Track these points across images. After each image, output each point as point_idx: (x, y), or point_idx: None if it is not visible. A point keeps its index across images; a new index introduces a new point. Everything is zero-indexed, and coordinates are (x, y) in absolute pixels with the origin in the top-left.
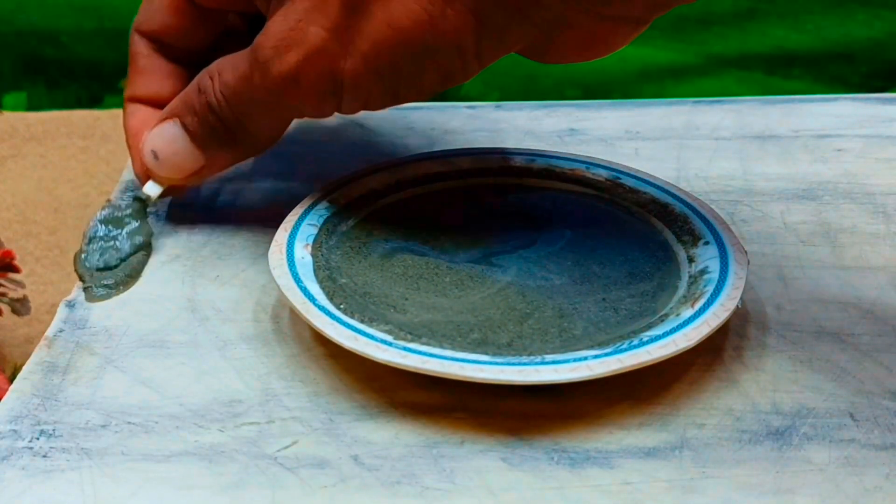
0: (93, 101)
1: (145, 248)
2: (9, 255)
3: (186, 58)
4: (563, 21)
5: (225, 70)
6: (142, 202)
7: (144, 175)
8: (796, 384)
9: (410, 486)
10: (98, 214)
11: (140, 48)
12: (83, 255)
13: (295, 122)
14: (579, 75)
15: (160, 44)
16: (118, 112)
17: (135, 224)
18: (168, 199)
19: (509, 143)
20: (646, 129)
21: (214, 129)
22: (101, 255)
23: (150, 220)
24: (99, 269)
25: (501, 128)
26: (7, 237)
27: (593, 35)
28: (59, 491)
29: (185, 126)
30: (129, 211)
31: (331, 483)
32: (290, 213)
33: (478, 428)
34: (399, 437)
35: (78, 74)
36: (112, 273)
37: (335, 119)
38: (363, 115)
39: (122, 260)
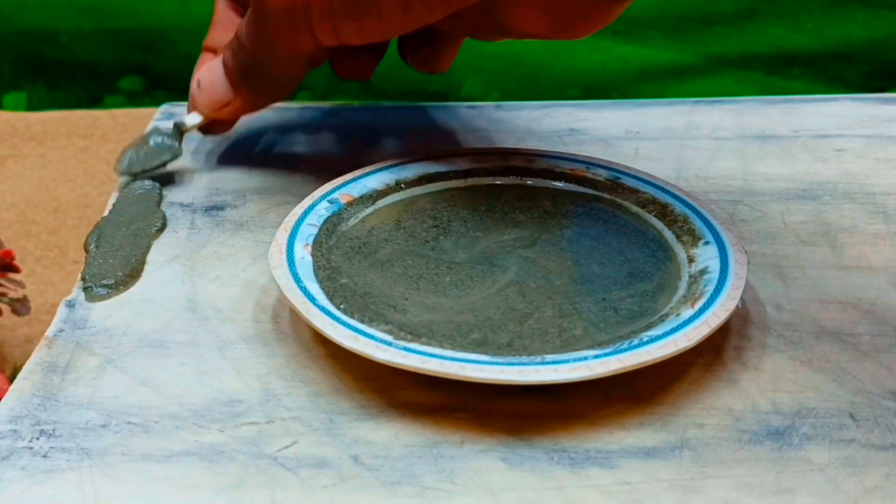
0: (93, 101)
1: (165, 164)
2: (9, 255)
3: None
4: None
5: (248, 10)
6: (178, 127)
7: (191, 104)
8: (796, 384)
9: (410, 486)
10: (144, 132)
11: (220, 4)
12: (120, 161)
13: (295, 123)
14: (579, 75)
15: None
16: (118, 112)
17: (167, 142)
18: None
19: (509, 143)
20: (646, 129)
21: (240, 63)
22: (128, 160)
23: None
24: (125, 173)
25: (501, 128)
26: (7, 237)
27: (553, 5)
28: (59, 491)
29: (223, 60)
30: (167, 133)
31: (331, 483)
32: (290, 213)
33: (478, 428)
34: (399, 437)
35: (78, 74)
36: (112, 273)
37: (335, 119)
38: (363, 116)
39: (144, 170)
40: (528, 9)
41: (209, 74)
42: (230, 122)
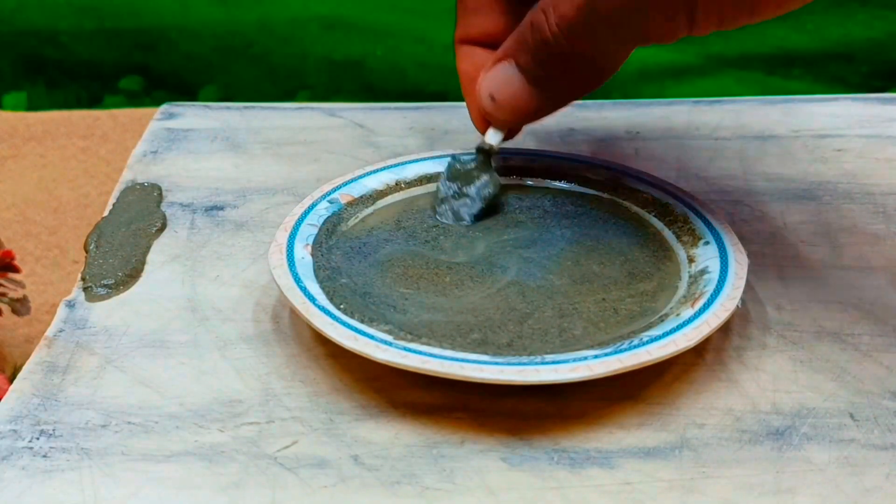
0: (93, 101)
1: (495, 198)
2: (9, 255)
3: None
4: None
5: (560, 2)
6: (486, 153)
7: (483, 122)
8: (796, 384)
9: (410, 486)
10: (444, 173)
11: None
12: (437, 216)
13: (295, 123)
14: None
15: None
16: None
17: (484, 177)
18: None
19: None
20: (646, 129)
21: (550, 67)
22: (454, 213)
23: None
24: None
25: None
26: (7, 237)
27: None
28: (59, 491)
29: (519, 66)
30: (473, 164)
31: (331, 483)
32: (290, 214)
33: (478, 428)
34: (399, 437)
35: (78, 74)
36: (112, 273)
37: (335, 119)
38: (363, 116)
39: (475, 216)
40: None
41: (505, 86)
42: (520, 129)
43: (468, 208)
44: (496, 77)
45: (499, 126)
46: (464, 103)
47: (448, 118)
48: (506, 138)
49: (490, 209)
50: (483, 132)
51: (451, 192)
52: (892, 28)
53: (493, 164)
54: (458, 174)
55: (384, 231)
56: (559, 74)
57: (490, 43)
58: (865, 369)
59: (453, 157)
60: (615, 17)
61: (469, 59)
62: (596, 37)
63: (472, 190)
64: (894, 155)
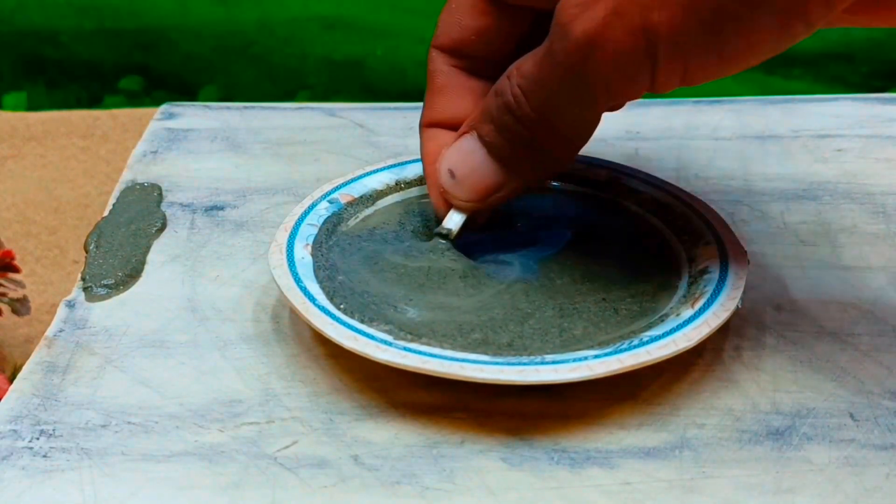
0: (93, 101)
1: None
2: (9, 255)
3: (487, 70)
4: None
5: (523, 62)
6: (445, 237)
7: (443, 204)
8: (796, 384)
9: (410, 486)
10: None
11: (439, 65)
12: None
13: (295, 123)
14: None
15: (460, 56)
16: (118, 112)
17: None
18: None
19: None
20: (646, 129)
21: (514, 135)
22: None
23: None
24: None
25: None
26: (7, 237)
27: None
28: (59, 491)
29: (482, 137)
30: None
31: (331, 483)
32: (290, 214)
33: (478, 428)
34: (399, 437)
35: (78, 74)
36: (112, 273)
37: (335, 119)
38: (363, 116)
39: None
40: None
41: (465, 160)
42: (489, 211)
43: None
44: (457, 151)
45: (459, 207)
46: None
47: None
48: (470, 227)
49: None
50: (443, 216)
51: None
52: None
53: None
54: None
55: (384, 231)
56: (523, 146)
57: (458, 125)
58: (865, 369)
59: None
60: (572, 69)
61: (434, 141)
62: (559, 97)
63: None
64: (894, 155)
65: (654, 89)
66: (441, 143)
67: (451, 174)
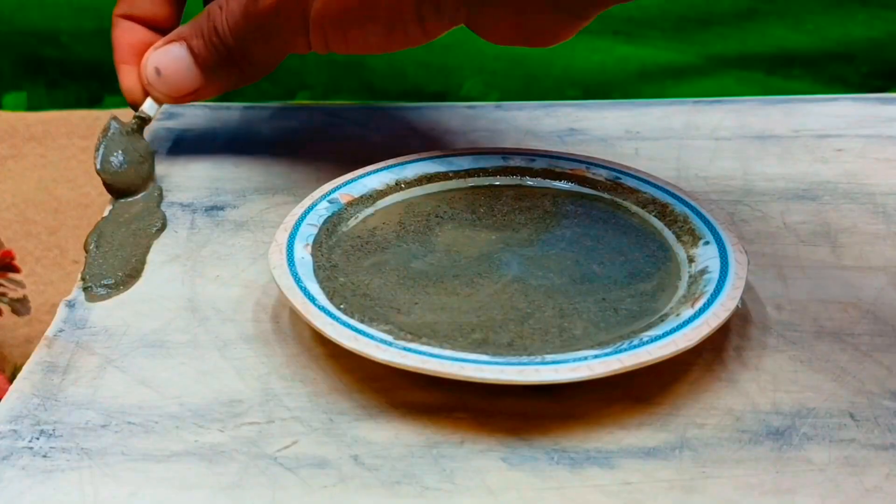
0: (93, 101)
1: (144, 162)
2: (9, 255)
3: None
4: (489, 3)
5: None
6: (141, 120)
7: (140, 91)
8: (796, 384)
9: (410, 486)
10: (107, 128)
11: None
12: (97, 162)
13: (295, 123)
14: (579, 75)
15: None
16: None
17: (138, 143)
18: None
19: (509, 143)
20: (646, 129)
21: (218, 53)
22: (103, 163)
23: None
24: (106, 172)
25: (501, 128)
26: (7, 237)
27: (521, 19)
28: (59, 491)
29: (191, 48)
30: (130, 128)
31: (331, 483)
32: (290, 214)
33: (478, 428)
34: (399, 437)
35: (78, 74)
36: (112, 273)
37: (335, 119)
38: (364, 115)
39: (121, 167)
40: (502, 27)
41: (173, 63)
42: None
43: (120, 161)
44: (167, 54)
45: (156, 98)
46: (464, 103)
47: (448, 118)
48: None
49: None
50: (135, 101)
51: (108, 151)
52: (892, 28)
53: (143, 131)
54: (114, 137)
55: (384, 231)
56: (223, 63)
57: (152, 23)
58: (865, 369)
59: (112, 119)
60: (261, 24)
61: (129, 33)
62: (252, 37)
63: (123, 153)
64: (894, 155)
65: (312, 48)
66: (137, 37)
67: (158, 72)
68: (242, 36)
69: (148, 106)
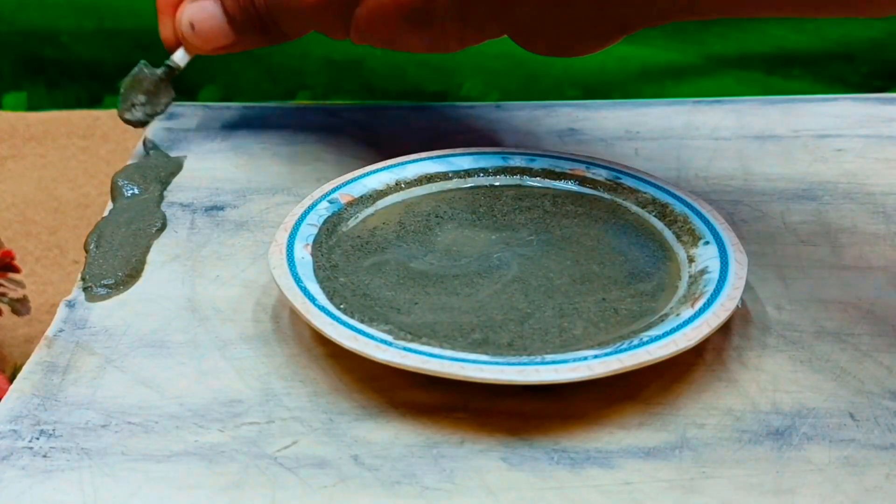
0: (93, 101)
1: (165, 108)
2: (9, 255)
3: None
4: (534, 28)
5: None
6: (170, 69)
7: (174, 42)
8: (796, 384)
9: (410, 486)
10: (133, 74)
11: None
12: (119, 106)
13: (295, 123)
14: (579, 75)
15: None
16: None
17: (164, 91)
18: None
19: (509, 143)
20: (646, 129)
21: (249, 16)
22: (134, 110)
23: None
24: (134, 120)
25: (501, 128)
26: (7, 237)
27: (561, 42)
28: (59, 491)
29: (224, 7)
30: (158, 75)
31: (331, 483)
32: (290, 214)
33: (478, 428)
34: (399, 437)
35: (78, 74)
36: (112, 273)
37: (335, 119)
38: (364, 115)
39: (149, 115)
40: (539, 41)
41: (207, 18)
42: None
43: (144, 107)
44: (201, 10)
45: (189, 50)
46: (464, 103)
47: (448, 118)
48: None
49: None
50: (172, 51)
51: (134, 93)
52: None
53: (172, 80)
54: (142, 80)
55: (384, 231)
56: (252, 26)
57: None
58: (865, 369)
59: (143, 62)
60: (302, 12)
61: None
62: (287, 15)
63: (147, 98)
64: (894, 155)
65: (352, 40)
66: None
67: (192, 26)
68: (276, 9)
69: (179, 56)
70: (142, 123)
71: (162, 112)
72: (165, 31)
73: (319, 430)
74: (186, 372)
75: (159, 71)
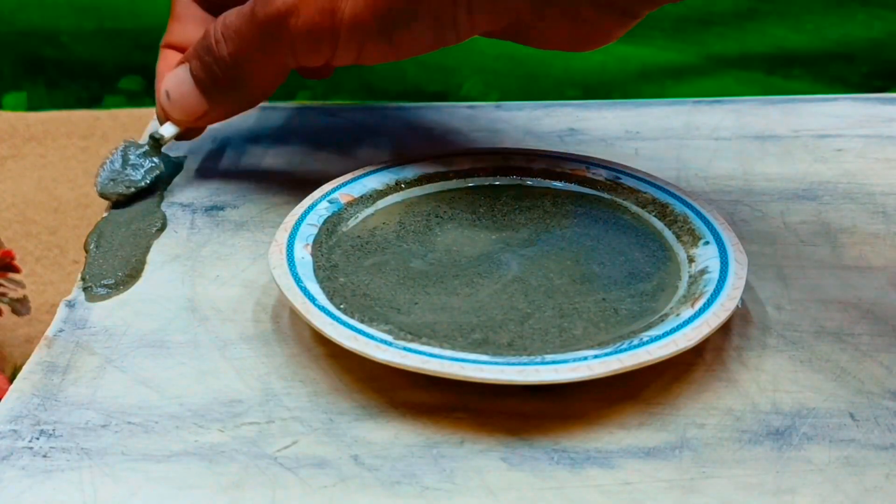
0: (93, 101)
1: (153, 183)
2: (9, 255)
3: (220, 8)
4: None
5: (230, 13)
6: (156, 141)
7: (163, 115)
8: (796, 384)
9: (410, 486)
10: (118, 147)
11: None
12: (98, 181)
13: (295, 123)
14: (579, 75)
15: None
16: (118, 112)
17: (150, 162)
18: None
19: (509, 143)
20: (646, 129)
21: (213, 73)
22: (114, 183)
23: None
24: (110, 193)
25: (501, 128)
26: (7, 237)
27: (578, 18)
28: (59, 491)
29: (191, 70)
30: (144, 148)
31: (331, 483)
32: (290, 213)
33: (478, 428)
34: (399, 437)
35: (78, 74)
36: (112, 273)
37: (335, 119)
38: (363, 116)
39: (131, 191)
40: (555, 29)
41: (178, 86)
42: (204, 128)
43: (123, 182)
44: (174, 77)
45: (173, 121)
46: (464, 103)
47: (448, 118)
48: (186, 137)
49: (151, 189)
50: (162, 123)
51: (116, 165)
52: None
53: (160, 153)
54: (127, 152)
55: (384, 231)
56: (219, 83)
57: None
58: (865, 369)
59: (128, 142)
60: (267, 30)
61: (165, 60)
62: (252, 49)
63: (132, 162)
64: (894, 155)
65: (333, 62)
66: (171, 63)
67: (168, 95)
68: (239, 51)
69: (164, 128)
70: (120, 196)
71: (145, 185)
72: (157, 107)
73: (319, 430)
74: (186, 372)
75: (144, 143)
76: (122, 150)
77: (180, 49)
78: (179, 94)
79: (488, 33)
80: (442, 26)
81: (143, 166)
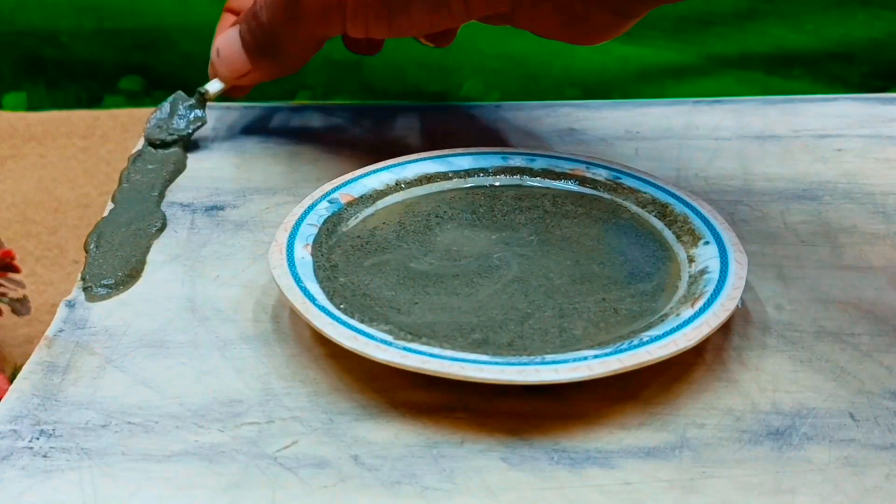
0: (93, 101)
1: (192, 133)
2: (9, 255)
3: None
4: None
5: None
6: (202, 95)
7: (212, 71)
8: (796, 384)
9: (410, 486)
10: (168, 99)
11: None
12: (146, 127)
13: (295, 123)
14: (579, 75)
15: None
16: (118, 112)
17: (195, 113)
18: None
19: (509, 143)
20: (646, 129)
21: (256, 38)
22: (160, 130)
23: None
24: (155, 139)
25: (501, 128)
26: (7, 237)
27: (571, 14)
28: (59, 491)
29: (240, 32)
30: (191, 101)
31: (331, 483)
32: (290, 213)
33: (478, 428)
34: (399, 437)
35: (78, 74)
36: (112, 273)
37: (335, 119)
38: (364, 115)
39: (173, 138)
40: (548, 21)
41: (228, 45)
42: (249, 87)
43: (168, 129)
44: (226, 37)
45: (220, 77)
46: (464, 103)
47: (448, 118)
48: (233, 95)
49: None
50: (210, 79)
51: (163, 115)
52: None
53: (205, 108)
54: (174, 103)
55: (384, 231)
56: (261, 48)
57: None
58: (865, 369)
59: (178, 95)
60: (290, 8)
61: (223, 22)
62: (280, 19)
63: (179, 112)
64: (894, 155)
65: (348, 33)
66: (226, 24)
67: (218, 53)
68: (273, 21)
69: (211, 84)
70: (164, 144)
71: (190, 134)
72: (210, 65)
73: (319, 430)
74: (186, 372)
75: (192, 98)
76: (171, 101)
77: (238, 13)
78: (228, 52)
79: (485, 19)
80: (437, 8)
81: (187, 117)
